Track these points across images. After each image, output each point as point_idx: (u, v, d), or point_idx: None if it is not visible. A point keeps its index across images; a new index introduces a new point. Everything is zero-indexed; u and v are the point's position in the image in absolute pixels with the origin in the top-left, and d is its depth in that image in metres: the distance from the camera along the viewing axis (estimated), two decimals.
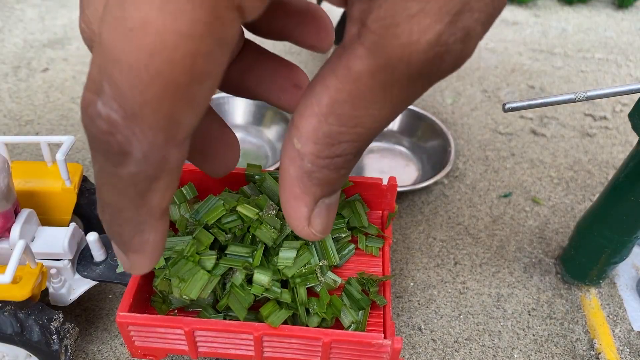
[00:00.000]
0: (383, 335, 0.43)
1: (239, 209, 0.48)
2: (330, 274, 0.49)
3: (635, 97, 0.86)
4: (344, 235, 0.52)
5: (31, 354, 0.47)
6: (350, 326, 0.46)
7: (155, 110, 0.24)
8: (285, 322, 0.44)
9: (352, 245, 0.53)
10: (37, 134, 0.79)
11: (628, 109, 0.90)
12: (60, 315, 0.48)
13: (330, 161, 0.30)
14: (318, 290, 0.48)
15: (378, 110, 0.28)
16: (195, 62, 0.23)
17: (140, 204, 0.28)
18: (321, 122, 0.28)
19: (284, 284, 0.47)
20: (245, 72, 0.37)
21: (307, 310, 0.46)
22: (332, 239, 0.52)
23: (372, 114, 0.28)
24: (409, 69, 0.26)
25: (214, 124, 0.35)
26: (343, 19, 0.78)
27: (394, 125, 0.82)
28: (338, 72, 0.27)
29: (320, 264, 0.47)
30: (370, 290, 0.48)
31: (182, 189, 0.53)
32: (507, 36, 1.06)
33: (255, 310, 0.46)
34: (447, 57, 0.26)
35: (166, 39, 0.22)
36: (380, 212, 0.56)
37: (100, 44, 0.23)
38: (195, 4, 0.22)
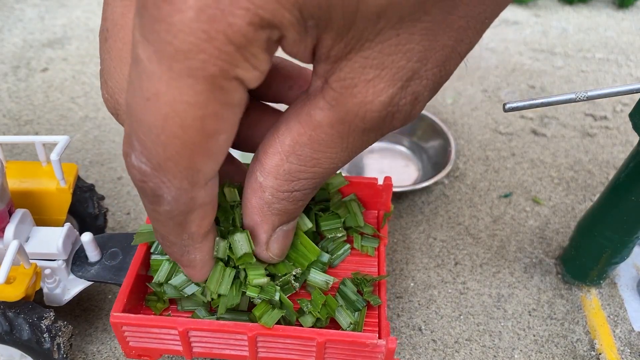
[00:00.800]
0: (378, 335, 0.43)
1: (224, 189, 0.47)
2: (321, 275, 0.48)
3: (636, 97, 0.86)
4: (339, 235, 0.52)
5: (25, 354, 0.47)
6: (347, 327, 0.46)
7: (177, 164, 0.28)
8: (279, 322, 0.44)
9: (348, 245, 0.53)
10: (36, 133, 0.79)
11: (629, 109, 0.89)
12: (52, 314, 0.47)
13: (289, 194, 0.34)
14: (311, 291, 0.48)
15: (335, 154, 0.32)
16: (205, 123, 0.27)
17: (180, 232, 0.33)
18: (283, 160, 0.32)
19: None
20: (252, 126, 0.41)
21: (302, 310, 0.46)
22: (329, 238, 0.52)
23: (329, 157, 0.32)
24: (364, 123, 0.30)
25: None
26: None
27: None
28: (301, 118, 0.31)
29: (294, 272, 0.47)
30: (365, 290, 0.47)
31: None
32: (507, 36, 1.06)
33: (248, 311, 0.45)
34: (398, 116, 0.30)
35: (176, 107, 0.26)
36: (376, 211, 0.56)
37: (127, 107, 0.28)
38: (198, 79, 0.25)
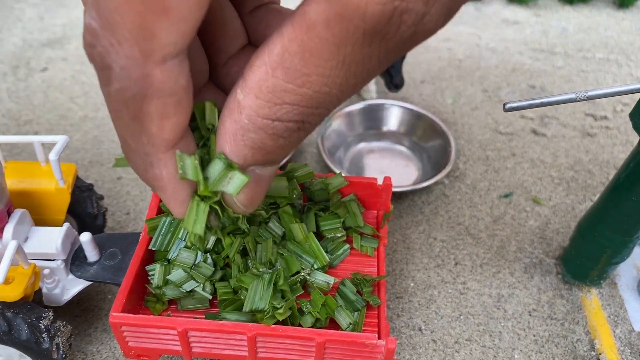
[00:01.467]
0: (377, 335, 0.43)
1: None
2: (321, 275, 0.48)
3: (636, 96, 0.85)
4: (339, 235, 0.52)
5: (24, 354, 0.47)
6: (347, 328, 0.46)
7: (126, 18, 0.23)
8: (280, 323, 0.44)
9: (347, 246, 0.53)
10: (35, 133, 0.79)
11: (629, 109, 0.89)
12: (50, 314, 0.47)
13: (269, 123, 0.27)
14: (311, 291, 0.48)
15: (329, 70, 0.25)
16: None
17: (138, 131, 0.27)
18: (268, 73, 0.26)
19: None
20: (259, 23, 0.34)
21: (301, 311, 0.46)
22: (328, 238, 0.52)
23: (321, 74, 0.25)
24: (365, 22, 0.24)
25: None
26: None
27: (394, 124, 0.81)
28: (294, 19, 0.25)
29: (303, 271, 0.47)
30: (364, 290, 0.47)
31: None
32: (507, 36, 1.06)
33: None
34: (407, 18, 0.24)
35: None
36: (376, 211, 0.56)
37: None
38: None
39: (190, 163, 0.29)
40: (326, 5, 0.24)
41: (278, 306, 0.43)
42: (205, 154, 0.31)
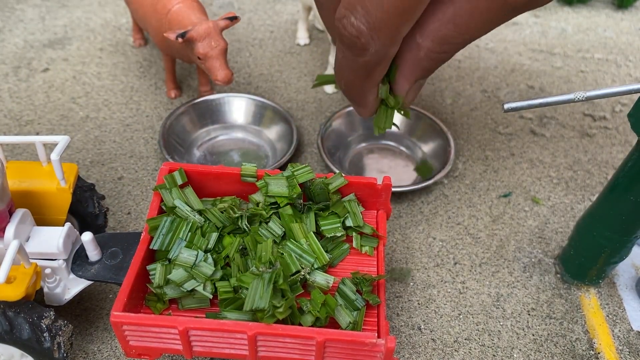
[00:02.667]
0: (377, 334, 0.43)
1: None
2: (321, 275, 0.49)
3: (635, 97, 0.86)
4: (339, 235, 0.52)
5: (25, 353, 0.47)
6: (347, 327, 0.46)
7: (389, 26, 0.38)
8: (281, 322, 0.44)
9: (347, 245, 0.53)
10: (37, 133, 0.79)
11: (627, 109, 0.89)
12: (52, 313, 0.47)
13: (437, 55, 0.41)
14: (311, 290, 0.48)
15: (481, 25, 0.39)
16: None
17: (366, 79, 0.44)
18: (442, 26, 0.40)
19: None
20: None
21: (301, 310, 0.46)
22: (328, 237, 0.52)
23: (475, 28, 0.39)
24: (514, 4, 0.37)
25: None
26: None
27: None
28: None
29: (303, 270, 0.48)
30: (364, 289, 0.48)
31: (174, 174, 0.53)
32: (506, 36, 1.06)
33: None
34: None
35: None
36: (375, 211, 0.56)
37: None
38: None
39: (385, 88, 0.46)
40: None
41: (278, 305, 0.43)
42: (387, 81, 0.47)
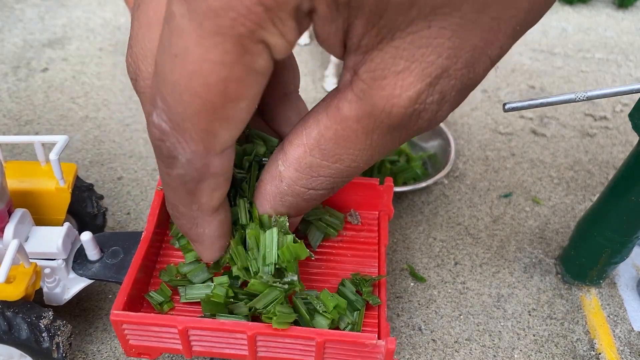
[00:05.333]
0: (377, 335, 0.43)
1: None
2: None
3: (636, 97, 0.86)
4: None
5: (24, 354, 0.47)
6: (346, 327, 0.46)
7: (195, 125, 0.29)
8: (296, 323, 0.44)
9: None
10: (36, 133, 0.79)
11: (628, 109, 0.89)
12: (50, 313, 0.47)
13: (305, 191, 0.34)
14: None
15: (358, 151, 0.31)
16: (228, 85, 0.27)
17: (190, 202, 0.34)
18: (306, 153, 0.32)
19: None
20: (280, 110, 0.42)
21: (316, 310, 0.45)
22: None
23: (352, 154, 0.32)
24: (390, 119, 0.29)
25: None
26: None
27: None
28: (329, 111, 0.31)
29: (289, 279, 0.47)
30: (364, 290, 0.47)
31: None
32: None
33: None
34: (424, 115, 0.30)
35: (202, 66, 0.26)
36: (377, 212, 0.56)
37: (155, 65, 0.29)
38: (226, 37, 0.25)
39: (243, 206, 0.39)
40: (358, 105, 0.30)
41: (285, 312, 0.42)
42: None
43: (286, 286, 0.42)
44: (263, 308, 0.43)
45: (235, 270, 0.44)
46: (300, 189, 0.34)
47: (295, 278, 0.44)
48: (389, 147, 0.32)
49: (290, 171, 0.33)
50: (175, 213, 0.36)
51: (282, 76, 0.40)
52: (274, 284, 0.43)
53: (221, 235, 0.38)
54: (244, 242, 0.47)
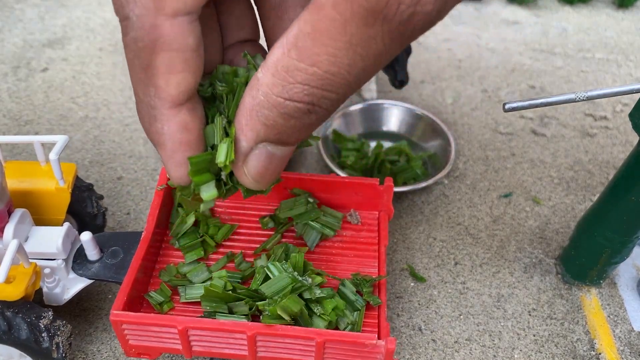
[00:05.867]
0: (377, 335, 0.43)
1: None
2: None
3: (636, 97, 0.85)
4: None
5: (24, 354, 0.47)
6: (346, 327, 0.46)
7: None
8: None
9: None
10: (36, 133, 0.79)
11: (628, 109, 0.89)
12: (50, 313, 0.47)
13: (282, 102, 0.28)
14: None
15: (337, 50, 0.27)
16: None
17: (147, 82, 0.29)
18: (284, 54, 0.28)
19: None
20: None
21: (310, 312, 0.46)
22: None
23: (330, 53, 0.27)
24: (367, 1, 0.25)
25: None
26: None
27: (394, 124, 0.82)
28: (309, 7, 0.27)
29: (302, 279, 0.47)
30: (364, 290, 0.47)
31: None
32: (507, 36, 1.06)
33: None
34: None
35: None
36: (377, 212, 0.56)
37: None
38: None
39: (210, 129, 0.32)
40: None
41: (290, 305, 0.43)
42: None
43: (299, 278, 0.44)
44: (271, 296, 0.43)
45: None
46: (277, 99, 0.29)
47: (310, 280, 0.45)
48: (372, 49, 0.27)
49: (267, 77, 0.29)
50: (137, 102, 0.31)
51: None
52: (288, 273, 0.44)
53: (184, 142, 0.31)
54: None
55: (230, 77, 0.34)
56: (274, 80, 0.28)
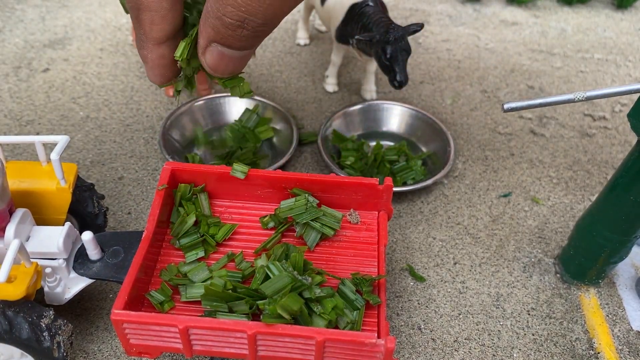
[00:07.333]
0: (377, 334, 0.43)
1: None
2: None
3: (635, 97, 0.86)
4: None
5: (25, 353, 0.47)
6: (346, 327, 0.46)
7: None
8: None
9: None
10: (37, 133, 0.79)
11: (627, 109, 0.90)
12: (51, 312, 0.48)
13: (220, 16, 0.36)
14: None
15: None
16: None
17: (138, 27, 0.39)
18: None
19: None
20: None
21: (310, 311, 0.46)
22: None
23: None
24: None
25: None
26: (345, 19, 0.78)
27: (394, 125, 0.82)
28: None
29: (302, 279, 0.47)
30: (364, 290, 0.48)
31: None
32: (506, 36, 1.06)
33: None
34: None
35: None
36: (376, 212, 0.56)
37: None
38: None
39: (183, 46, 0.41)
40: None
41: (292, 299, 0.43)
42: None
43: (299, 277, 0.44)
44: (271, 295, 0.43)
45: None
46: (217, 13, 0.36)
47: (310, 280, 0.45)
48: None
49: None
50: (135, 32, 0.41)
51: None
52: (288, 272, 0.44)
53: (162, 65, 0.42)
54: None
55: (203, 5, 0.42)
56: (217, 0, 0.36)
